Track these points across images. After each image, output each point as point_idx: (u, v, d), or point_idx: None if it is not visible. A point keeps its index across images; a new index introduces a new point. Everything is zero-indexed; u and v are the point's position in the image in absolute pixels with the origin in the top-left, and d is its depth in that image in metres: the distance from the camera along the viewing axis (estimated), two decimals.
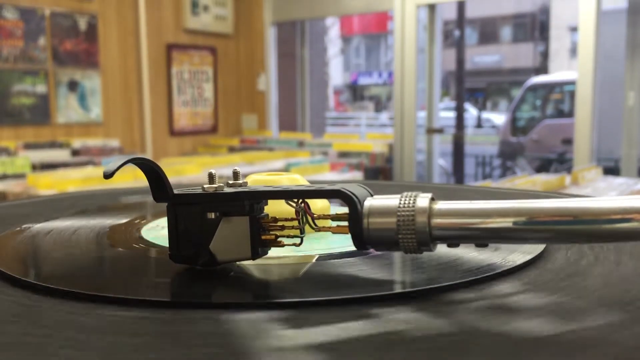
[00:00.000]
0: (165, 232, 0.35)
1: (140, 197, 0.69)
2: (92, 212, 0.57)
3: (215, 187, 0.34)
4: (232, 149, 3.57)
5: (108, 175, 0.31)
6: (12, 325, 0.28)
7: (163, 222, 0.48)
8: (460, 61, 6.18)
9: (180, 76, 3.56)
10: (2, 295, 0.32)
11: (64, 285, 0.33)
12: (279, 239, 0.34)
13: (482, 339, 0.25)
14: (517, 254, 0.37)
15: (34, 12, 2.91)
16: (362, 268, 0.36)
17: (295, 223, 0.34)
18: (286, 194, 0.34)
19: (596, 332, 0.26)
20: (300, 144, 3.48)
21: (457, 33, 6.80)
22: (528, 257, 0.36)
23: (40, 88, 2.96)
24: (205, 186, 0.34)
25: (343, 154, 3.26)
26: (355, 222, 0.31)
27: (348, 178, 2.76)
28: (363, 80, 15.83)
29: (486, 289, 0.32)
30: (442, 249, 0.36)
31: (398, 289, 0.32)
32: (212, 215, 0.34)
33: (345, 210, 0.32)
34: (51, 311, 0.30)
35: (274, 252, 0.36)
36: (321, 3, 3.63)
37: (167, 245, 0.35)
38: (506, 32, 13.84)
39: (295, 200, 0.34)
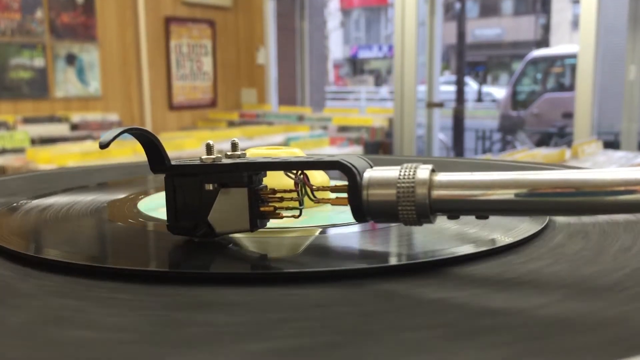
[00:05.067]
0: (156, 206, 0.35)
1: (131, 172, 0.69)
2: (91, 187, 0.57)
3: (214, 158, 0.34)
4: (231, 124, 3.56)
5: (104, 145, 0.30)
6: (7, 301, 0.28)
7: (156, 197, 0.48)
8: (460, 34, 6.13)
9: (179, 50, 3.53)
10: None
11: (61, 257, 0.33)
12: (278, 211, 0.34)
13: (489, 313, 0.25)
14: (518, 228, 0.37)
15: None
16: (361, 241, 0.36)
17: (294, 195, 0.34)
18: (285, 165, 0.34)
19: (595, 310, 0.26)
20: (300, 118, 3.47)
21: (457, 6, 6.74)
22: (530, 232, 0.36)
23: (38, 62, 2.94)
24: (203, 157, 0.34)
25: (343, 129, 3.25)
26: (355, 193, 0.31)
27: (348, 152, 2.76)
28: (363, 54, 15.73)
29: (489, 261, 0.32)
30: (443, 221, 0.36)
31: (402, 261, 0.32)
32: (210, 187, 0.34)
33: (344, 182, 0.32)
34: (48, 284, 0.30)
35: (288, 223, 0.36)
36: None
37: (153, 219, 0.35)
38: (507, 4, 13.72)
39: (294, 172, 0.34)
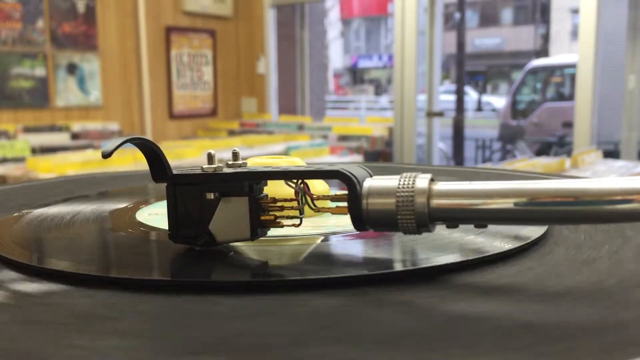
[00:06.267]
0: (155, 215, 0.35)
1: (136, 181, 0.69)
2: (93, 196, 0.57)
3: (215, 168, 0.34)
4: (231, 133, 3.57)
5: (106, 155, 0.31)
6: (12, 310, 0.28)
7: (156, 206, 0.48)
8: (460, 44, 6.15)
9: (179, 59, 3.54)
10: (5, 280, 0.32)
11: (63, 267, 0.33)
12: (278, 220, 0.34)
13: (484, 322, 0.25)
14: (517, 237, 0.37)
15: None
16: (361, 248, 0.36)
17: (295, 204, 0.34)
18: (285, 175, 0.34)
19: (597, 317, 0.26)
20: (300, 128, 3.47)
21: (457, 15, 6.76)
22: (528, 240, 0.36)
23: (39, 71, 2.95)
24: (204, 166, 0.34)
25: (343, 138, 3.26)
26: (354, 202, 0.31)
27: (348, 161, 2.76)
28: (363, 63, 15.77)
29: (487, 271, 0.32)
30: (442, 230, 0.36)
31: (399, 268, 0.32)
32: (211, 196, 0.34)
33: (345, 191, 0.32)
34: (55, 295, 0.30)
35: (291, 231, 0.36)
36: None
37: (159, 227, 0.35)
38: (507, 14, 13.77)
39: (295, 181, 0.34)
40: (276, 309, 0.27)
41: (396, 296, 0.28)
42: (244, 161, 0.37)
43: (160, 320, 0.26)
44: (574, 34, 9.04)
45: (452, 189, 0.30)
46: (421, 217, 0.30)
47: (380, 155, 3.21)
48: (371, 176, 0.32)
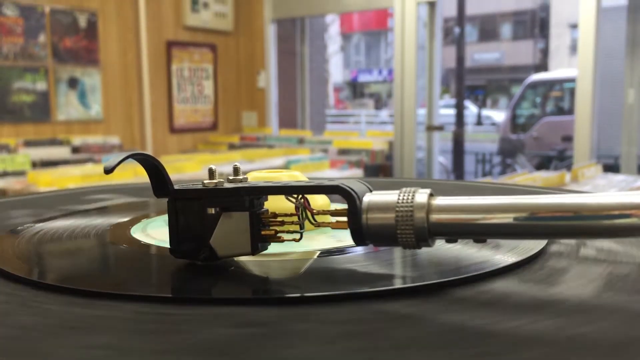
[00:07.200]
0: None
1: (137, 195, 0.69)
2: (93, 210, 0.57)
3: (216, 183, 0.34)
4: (232, 146, 3.57)
5: (109, 171, 0.31)
6: (17, 323, 0.28)
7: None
8: (460, 58, 6.17)
9: (180, 73, 3.55)
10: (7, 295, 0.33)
11: (65, 282, 0.33)
12: (279, 234, 0.34)
13: (483, 335, 0.25)
14: (517, 251, 0.37)
15: (34, 9, 2.91)
16: (361, 264, 0.36)
17: (295, 218, 0.34)
18: (286, 190, 0.34)
19: (596, 330, 0.26)
20: (300, 141, 3.48)
21: (457, 30, 6.79)
22: (528, 255, 0.36)
23: (40, 85, 2.96)
24: (205, 181, 0.35)
25: (343, 152, 3.26)
26: (354, 217, 0.31)
27: (348, 175, 2.76)
28: (363, 78, 15.80)
29: (487, 285, 0.32)
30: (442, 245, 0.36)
31: (399, 285, 0.32)
32: (212, 211, 0.34)
33: (345, 206, 0.32)
34: (55, 308, 0.30)
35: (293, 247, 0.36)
36: (321, 0, 3.62)
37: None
38: (506, 29, 13.82)
39: (295, 196, 0.34)
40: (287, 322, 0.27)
41: (402, 308, 0.28)
42: (245, 176, 0.37)
43: (159, 332, 0.26)
44: (573, 48, 9.08)
45: (451, 204, 0.30)
46: (420, 232, 0.30)
47: (380, 168, 3.21)
48: (371, 191, 0.33)
